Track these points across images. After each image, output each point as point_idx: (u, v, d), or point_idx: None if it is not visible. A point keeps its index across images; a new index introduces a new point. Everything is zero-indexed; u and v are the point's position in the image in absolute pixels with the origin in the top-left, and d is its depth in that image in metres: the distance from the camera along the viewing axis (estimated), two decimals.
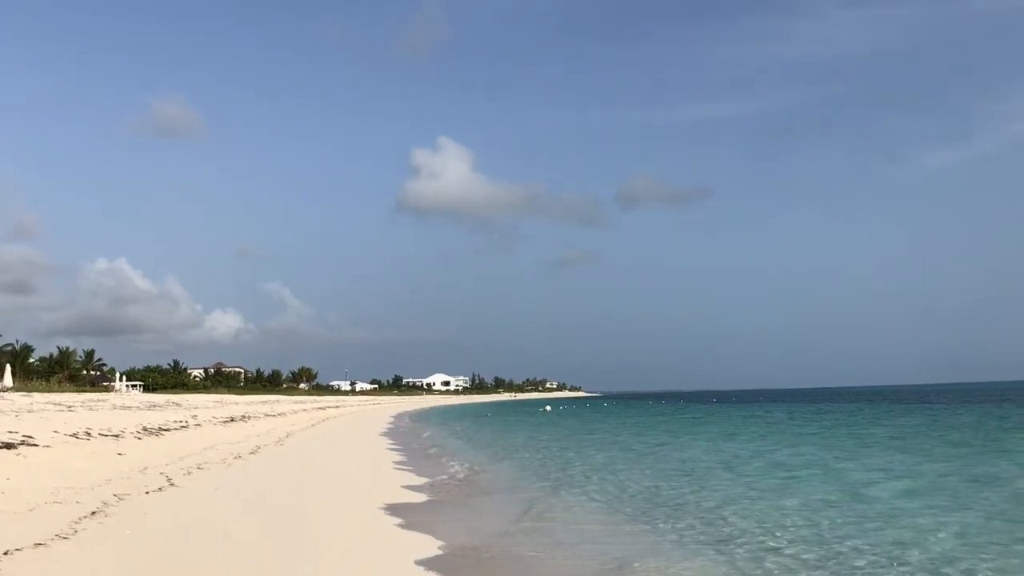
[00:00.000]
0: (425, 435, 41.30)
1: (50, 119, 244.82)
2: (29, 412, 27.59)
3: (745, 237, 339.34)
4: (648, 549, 11.24)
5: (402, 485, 18.19)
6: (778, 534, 12.05)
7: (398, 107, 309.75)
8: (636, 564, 10.25)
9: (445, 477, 20.61)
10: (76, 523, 10.61)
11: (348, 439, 36.91)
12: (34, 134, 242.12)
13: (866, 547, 11.08)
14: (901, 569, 9.88)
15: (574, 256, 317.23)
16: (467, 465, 23.64)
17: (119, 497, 13.00)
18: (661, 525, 13.13)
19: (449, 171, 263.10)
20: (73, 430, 21.10)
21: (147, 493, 13.81)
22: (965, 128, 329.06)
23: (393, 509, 14.40)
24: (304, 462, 22.96)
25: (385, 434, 41.36)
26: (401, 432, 43.57)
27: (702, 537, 12.09)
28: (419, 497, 16.39)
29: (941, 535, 11.69)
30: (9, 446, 16.00)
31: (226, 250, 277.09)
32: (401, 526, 12.71)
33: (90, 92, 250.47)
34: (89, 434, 21.05)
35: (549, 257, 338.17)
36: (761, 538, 11.83)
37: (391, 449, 30.62)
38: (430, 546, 11.17)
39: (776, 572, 9.90)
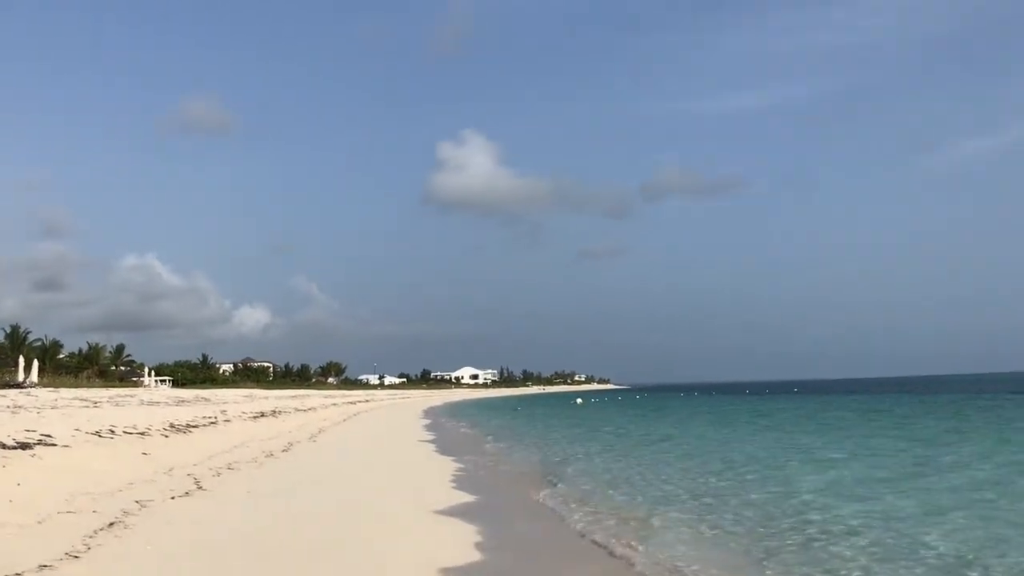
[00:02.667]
0: (462, 429, 39.91)
1: (82, 118, 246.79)
2: (53, 408, 26.47)
3: (774, 228, 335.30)
4: None
5: (452, 485, 16.71)
6: None
7: (425, 102, 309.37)
8: None
9: (502, 478, 18.81)
10: (91, 537, 9.24)
11: (384, 435, 35.57)
12: (66, 134, 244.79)
13: None
14: None
15: (601, 249, 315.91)
16: (526, 461, 22.27)
17: (141, 504, 11.66)
18: None
19: (475, 165, 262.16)
20: (96, 428, 19.85)
21: (172, 498, 12.47)
22: (997, 116, 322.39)
23: (452, 511, 12.94)
24: (341, 461, 21.58)
25: (422, 428, 40.01)
26: (439, 427, 42.20)
27: None
28: (471, 498, 14.89)
29: None
30: (25, 446, 14.71)
31: (254, 246, 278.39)
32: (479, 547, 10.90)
33: (121, 91, 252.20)
34: (113, 432, 19.79)
35: (576, 250, 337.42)
36: None
37: (429, 442, 29.23)
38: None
39: None
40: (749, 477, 17.49)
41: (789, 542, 10.53)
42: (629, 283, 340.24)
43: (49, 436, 16.63)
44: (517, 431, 38.61)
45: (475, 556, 9.63)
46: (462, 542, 10.36)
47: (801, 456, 21.83)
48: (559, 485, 16.66)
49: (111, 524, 10.04)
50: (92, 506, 11.03)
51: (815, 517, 12.22)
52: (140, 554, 8.81)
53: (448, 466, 20.59)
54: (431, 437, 33.51)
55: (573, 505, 13.87)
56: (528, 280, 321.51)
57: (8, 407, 25.39)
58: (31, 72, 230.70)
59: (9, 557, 8.09)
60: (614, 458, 22.88)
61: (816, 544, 10.37)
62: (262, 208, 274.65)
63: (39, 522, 9.68)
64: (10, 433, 16.11)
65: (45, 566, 7.85)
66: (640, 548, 10.24)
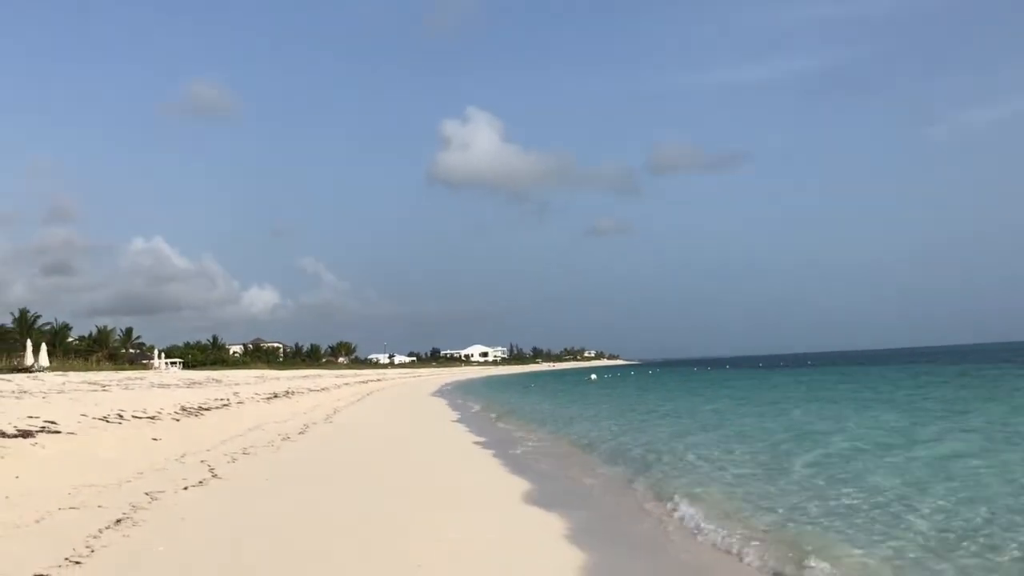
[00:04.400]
0: (477, 407, 38.96)
1: (86, 102, 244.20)
2: (59, 393, 25.54)
3: (780, 202, 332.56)
4: None
5: (472, 442, 15.71)
6: None
7: (427, 80, 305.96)
8: None
9: (545, 462, 16.85)
10: (95, 537, 8.21)
11: (401, 413, 34.66)
12: (71, 118, 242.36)
13: None
14: None
15: (608, 225, 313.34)
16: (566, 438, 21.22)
17: (151, 496, 10.63)
18: None
19: (480, 141, 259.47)
20: (103, 413, 18.91)
21: (185, 489, 11.44)
22: (1003, 85, 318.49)
23: (525, 499, 11.90)
24: (360, 442, 20.59)
25: (439, 406, 39.08)
26: (456, 405, 41.30)
27: None
28: (526, 485, 13.86)
29: None
30: (27, 434, 13.73)
31: (261, 227, 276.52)
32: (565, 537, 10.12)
33: (126, 75, 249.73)
34: (121, 417, 18.84)
35: (583, 226, 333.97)
36: None
37: (456, 423, 28.26)
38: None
39: None
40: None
41: None
42: (637, 259, 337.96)
43: (53, 423, 15.68)
44: (542, 412, 37.62)
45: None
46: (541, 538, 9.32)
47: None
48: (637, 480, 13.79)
49: (118, 521, 9.01)
50: (97, 500, 10.01)
51: None
52: (150, 558, 7.78)
53: (470, 440, 19.63)
54: (454, 416, 32.56)
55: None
56: (536, 257, 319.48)
57: (13, 392, 24.47)
58: (35, 57, 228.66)
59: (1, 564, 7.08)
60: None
61: None
62: (268, 190, 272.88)
63: (37, 521, 8.65)
64: (11, 420, 15.16)
65: None
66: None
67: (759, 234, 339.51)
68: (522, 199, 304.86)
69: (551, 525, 10.09)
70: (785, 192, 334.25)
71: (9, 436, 13.16)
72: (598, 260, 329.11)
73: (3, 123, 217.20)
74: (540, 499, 12.04)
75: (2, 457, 11.50)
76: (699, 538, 9.59)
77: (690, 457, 16.21)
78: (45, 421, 15.62)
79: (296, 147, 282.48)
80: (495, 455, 17.88)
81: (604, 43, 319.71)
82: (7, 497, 9.47)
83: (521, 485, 13.43)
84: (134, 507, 9.84)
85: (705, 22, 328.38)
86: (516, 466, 15.93)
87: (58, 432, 14.61)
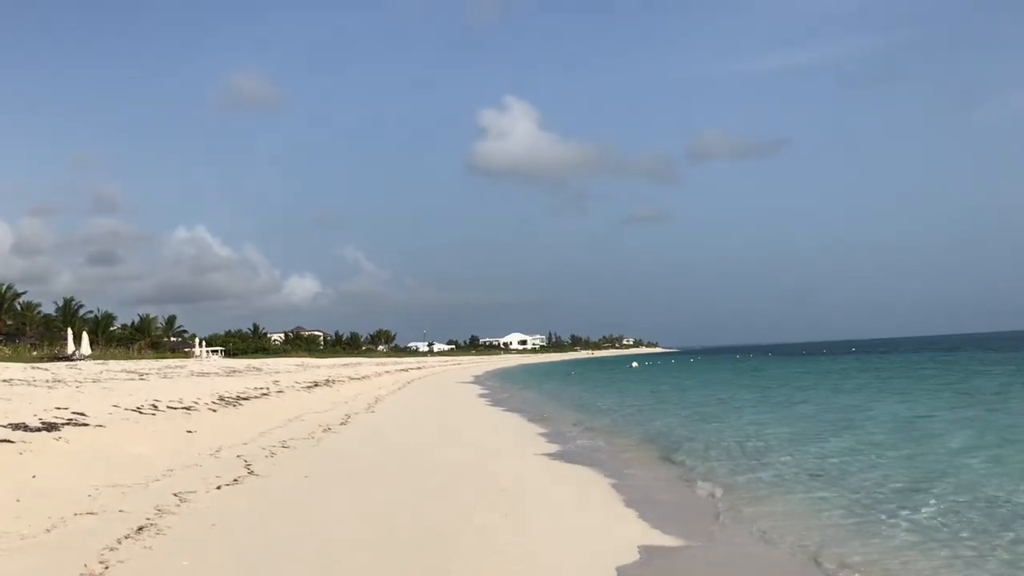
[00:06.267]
0: (524, 394, 37.79)
1: (131, 94, 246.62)
2: (95, 382, 24.80)
3: (820, 189, 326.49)
4: None
5: (540, 452, 14.50)
6: None
7: (466, 69, 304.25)
8: None
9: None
10: (111, 550, 7.14)
11: (446, 402, 33.59)
12: (116, 110, 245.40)
13: None
14: None
15: (647, 213, 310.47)
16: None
17: (180, 498, 9.57)
18: None
19: (518, 131, 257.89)
20: (137, 403, 18.02)
21: (218, 488, 10.38)
22: None
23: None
24: (406, 434, 19.48)
25: (483, 396, 37.98)
26: (497, 395, 40.20)
27: None
28: (590, 484, 12.62)
29: None
30: (51, 427, 12.78)
31: (302, 216, 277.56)
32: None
33: (170, 66, 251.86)
34: (155, 407, 17.93)
35: (621, 215, 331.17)
36: None
37: (504, 412, 27.10)
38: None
39: None
40: None
41: None
42: (675, 247, 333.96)
43: (83, 414, 14.77)
44: (593, 402, 36.36)
45: None
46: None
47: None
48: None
49: (140, 529, 7.94)
50: (120, 503, 8.96)
51: None
52: (176, 572, 6.69)
53: (522, 432, 18.44)
54: (501, 406, 31.43)
55: None
56: (574, 245, 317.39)
57: (47, 381, 23.76)
58: (80, 49, 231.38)
59: None
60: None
61: None
62: (309, 179, 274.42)
63: (48, 530, 7.60)
64: (38, 412, 14.26)
65: None
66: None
67: (797, 220, 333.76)
68: (560, 188, 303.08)
69: (630, 547, 8.83)
70: (823, 178, 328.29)
71: (32, 429, 12.22)
72: (636, 248, 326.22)
73: (51, 116, 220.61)
74: (612, 502, 10.81)
75: (20, 453, 10.53)
76: None
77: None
78: (74, 413, 14.71)
79: (336, 137, 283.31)
80: (550, 450, 16.68)
81: (642, 31, 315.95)
82: (18, 500, 8.45)
83: (583, 484, 12.21)
84: (160, 511, 8.78)
85: (743, 9, 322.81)
86: (571, 459, 14.71)
87: (86, 425, 13.67)
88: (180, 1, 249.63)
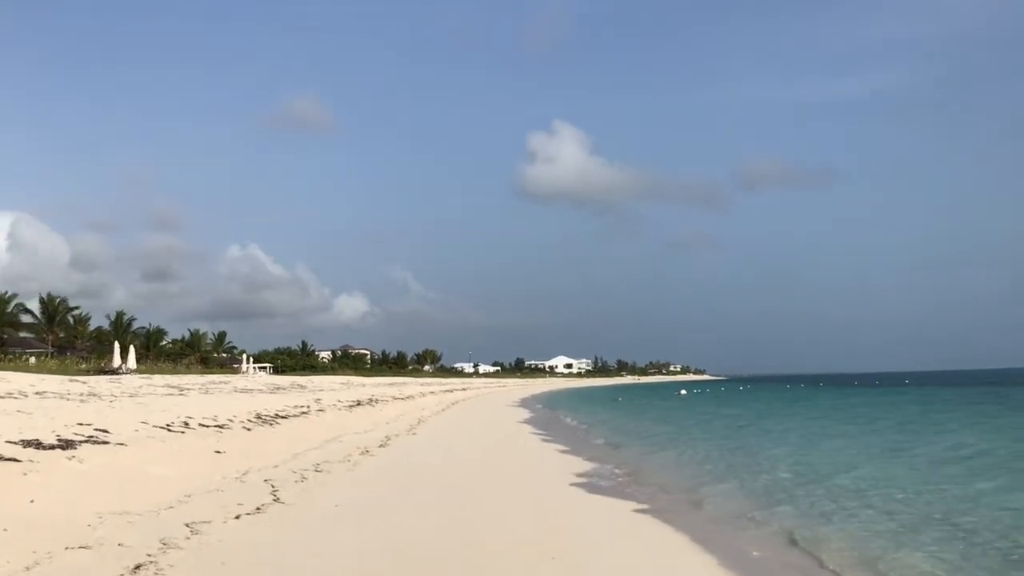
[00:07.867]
0: (570, 421, 36.38)
1: (188, 116, 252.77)
2: (131, 396, 24.10)
3: (870, 219, 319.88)
4: None
5: (574, 483, 13.21)
6: None
7: (516, 94, 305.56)
8: None
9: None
10: None
11: (491, 428, 32.33)
12: (174, 131, 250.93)
13: None
14: None
15: (694, 238, 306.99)
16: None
17: (192, 528, 8.52)
18: None
19: (566, 155, 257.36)
20: (168, 420, 17.14)
21: (237, 518, 9.30)
22: None
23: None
24: (447, 460, 18.28)
25: (528, 421, 36.67)
26: (546, 421, 38.87)
27: None
28: (640, 511, 11.31)
29: None
30: (67, 444, 11.88)
31: (352, 236, 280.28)
32: None
33: (226, 88, 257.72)
34: (187, 424, 17.04)
35: (669, 240, 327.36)
36: None
37: (550, 442, 25.80)
38: None
39: None
40: None
41: None
42: (724, 274, 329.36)
43: (105, 431, 13.88)
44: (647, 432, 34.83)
45: None
46: None
47: None
48: None
49: (137, 568, 6.89)
50: (121, 535, 7.92)
51: None
52: None
53: (570, 466, 17.11)
54: (548, 434, 30.12)
55: None
56: (622, 269, 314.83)
57: (80, 395, 23.11)
58: (137, 70, 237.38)
59: None
60: None
61: None
62: (359, 200, 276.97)
63: (28, 568, 6.57)
64: (57, 428, 13.39)
65: None
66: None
67: (843, 250, 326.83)
68: (608, 212, 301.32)
69: None
70: (876, 210, 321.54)
71: (45, 447, 11.31)
72: (684, 274, 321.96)
73: (107, 133, 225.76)
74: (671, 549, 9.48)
75: (25, 474, 9.59)
76: None
77: None
78: (96, 429, 13.83)
79: (387, 159, 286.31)
80: (603, 489, 15.36)
81: (693, 55, 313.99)
82: (5, 530, 7.45)
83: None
84: (165, 545, 7.73)
85: (796, 36, 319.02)
86: (627, 497, 13.38)
87: (106, 443, 12.75)
88: (239, 23, 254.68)
